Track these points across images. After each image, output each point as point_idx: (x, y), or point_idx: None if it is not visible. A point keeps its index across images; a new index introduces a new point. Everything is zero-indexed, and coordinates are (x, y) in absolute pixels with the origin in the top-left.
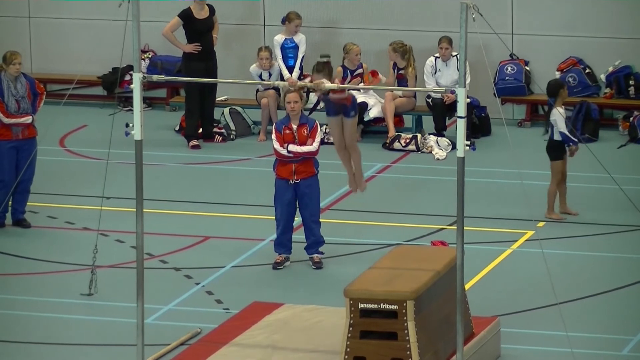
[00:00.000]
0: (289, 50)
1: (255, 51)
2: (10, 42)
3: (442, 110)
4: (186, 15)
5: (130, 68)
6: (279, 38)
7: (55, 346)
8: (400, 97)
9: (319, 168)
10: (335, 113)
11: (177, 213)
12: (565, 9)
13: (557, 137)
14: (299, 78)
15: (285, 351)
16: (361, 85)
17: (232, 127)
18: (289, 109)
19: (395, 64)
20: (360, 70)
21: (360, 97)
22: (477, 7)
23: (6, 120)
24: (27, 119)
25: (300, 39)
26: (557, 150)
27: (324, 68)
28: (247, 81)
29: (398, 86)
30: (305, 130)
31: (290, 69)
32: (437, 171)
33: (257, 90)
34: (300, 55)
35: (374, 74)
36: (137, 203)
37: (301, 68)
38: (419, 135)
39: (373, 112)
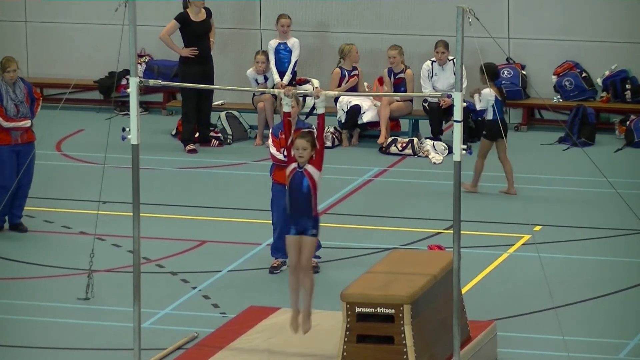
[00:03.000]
0: (284, 55)
1: (252, 55)
2: (7, 47)
3: (438, 114)
4: (183, 19)
5: (126, 72)
6: (273, 42)
7: (52, 350)
8: (397, 101)
9: None
10: (296, 231)
11: (174, 217)
12: (562, 13)
13: (490, 116)
14: (290, 83)
15: (282, 355)
16: (359, 91)
17: (229, 131)
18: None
19: (390, 70)
20: (355, 72)
21: (354, 100)
22: (474, 11)
23: (5, 124)
24: (26, 123)
25: (293, 43)
26: (493, 130)
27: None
28: (244, 88)
29: (394, 92)
30: None
31: (283, 74)
32: (433, 175)
33: (254, 95)
34: (293, 60)
35: (380, 81)
36: (133, 207)
37: (294, 73)
38: (415, 140)
39: (367, 116)
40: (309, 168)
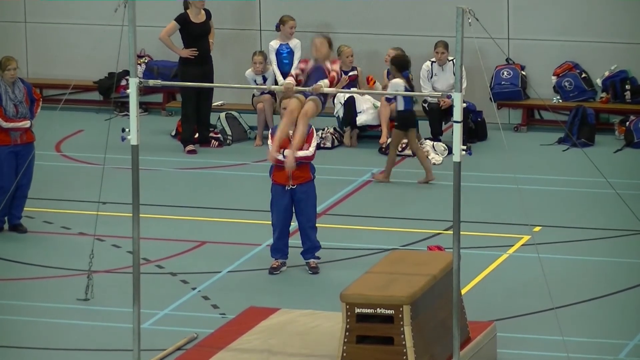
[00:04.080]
0: (285, 56)
1: (251, 56)
2: (6, 47)
3: (438, 114)
4: (183, 20)
5: (126, 73)
6: (274, 44)
7: (51, 351)
8: None
9: (315, 173)
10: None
11: (174, 218)
12: (561, 14)
13: (400, 107)
14: None
15: (282, 356)
16: (354, 89)
17: (229, 132)
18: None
19: (389, 71)
20: (354, 73)
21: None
22: (473, 12)
23: (5, 125)
24: (26, 124)
25: (295, 44)
26: (405, 120)
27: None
28: (242, 86)
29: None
30: None
31: (285, 75)
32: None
33: (253, 95)
34: (295, 61)
35: (368, 80)
36: (133, 208)
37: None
38: None
39: (361, 118)
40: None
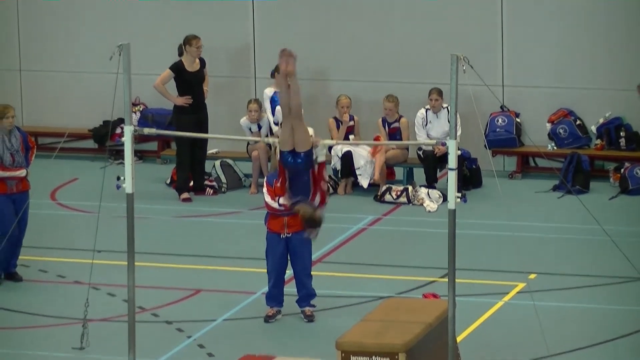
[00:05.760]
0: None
1: (246, 103)
2: (1, 95)
3: (433, 162)
4: (177, 68)
5: (121, 121)
6: (269, 91)
7: None
8: (392, 149)
9: None
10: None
11: (169, 266)
12: (556, 61)
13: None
14: None
15: None
16: (352, 138)
17: (223, 179)
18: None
19: (384, 119)
20: (351, 123)
21: (346, 147)
22: (468, 59)
23: (1, 174)
24: (22, 172)
25: None
26: None
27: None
28: (237, 137)
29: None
30: None
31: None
32: (428, 223)
33: (248, 143)
34: None
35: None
36: (128, 256)
37: None
38: (410, 188)
39: (364, 182)
40: None
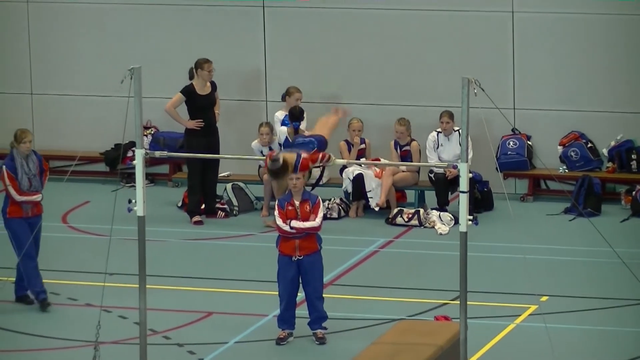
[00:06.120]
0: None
1: (257, 127)
2: (13, 119)
3: (444, 185)
4: (188, 92)
5: (132, 144)
6: (280, 114)
7: None
8: (403, 171)
9: (322, 244)
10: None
11: (180, 289)
12: (567, 84)
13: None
14: None
15: None
16: (363, 160)
17: (235, 202)
18: (292, 185)
19: (396, 142)
20: (362, 146)
21: (358, 170)
22: (479, 82)
23: (18, 198)
24: (38, 197)
25: None
26: None
27: (280, 171)
28: (249, 157)
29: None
30: (307, 206)
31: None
32: (439, 246)
33: (260, 166)
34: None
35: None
36: (140, 279)
37: None
38: (421, 210)
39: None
40: None
